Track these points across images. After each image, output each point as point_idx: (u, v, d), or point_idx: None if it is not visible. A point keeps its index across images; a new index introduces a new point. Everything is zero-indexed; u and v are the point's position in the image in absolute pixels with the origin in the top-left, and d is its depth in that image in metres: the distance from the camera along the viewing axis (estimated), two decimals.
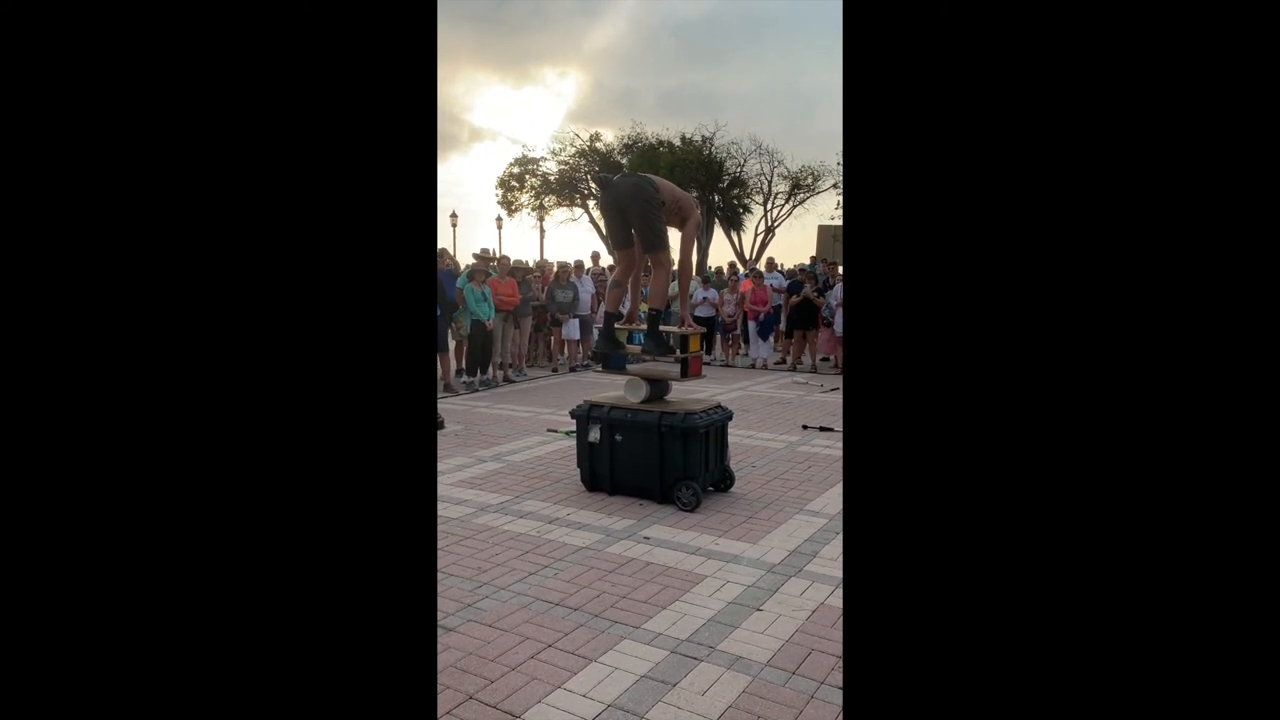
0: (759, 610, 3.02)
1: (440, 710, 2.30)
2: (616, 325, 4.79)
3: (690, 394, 5.18)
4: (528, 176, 30.31)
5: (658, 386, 4.68)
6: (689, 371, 4.62)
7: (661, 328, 4.62)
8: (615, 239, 4.66)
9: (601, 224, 21.20)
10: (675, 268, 4.60)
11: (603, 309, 5.55)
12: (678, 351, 4.58)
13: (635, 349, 4.70)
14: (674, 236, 4.62)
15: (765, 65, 42.37)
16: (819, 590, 3.22)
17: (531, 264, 12.42)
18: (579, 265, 11.15)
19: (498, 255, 10.75)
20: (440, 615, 2.95)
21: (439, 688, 2.42)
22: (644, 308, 4.94)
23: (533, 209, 30.35)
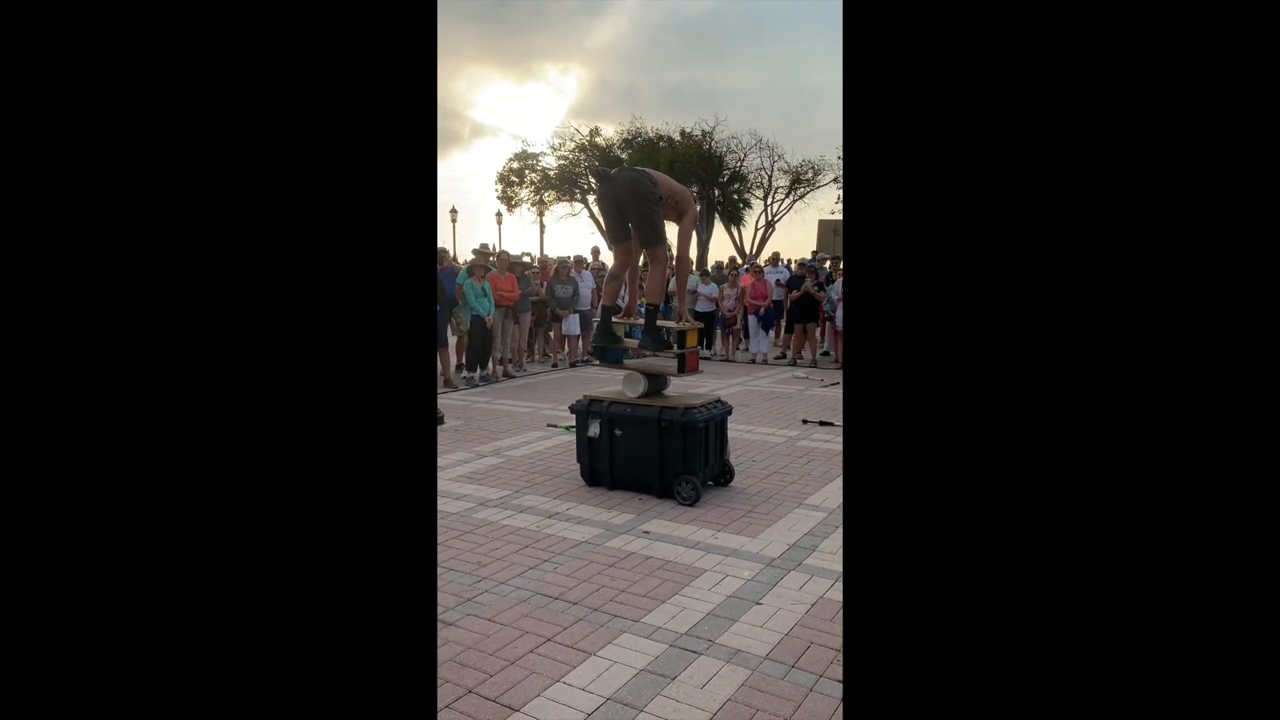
0: (758, 604, 3.03)
1: (440, 704, 2.30)
2: (614, 319, 4.79)
3: (690, 389, 5.18)
4: (527, 172, 30.29)
5: (655, 381, 4.68)
6: (686, 367, 4.62)
7: (659, 323, 4.61)
8: (613, 234, 4.65)
9: (601, 219, 21.16)
10: (672, 263, 4.59)
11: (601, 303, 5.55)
12: (675, 347, 4.57)
13: (633, 343, 4.69)
14: (671, 231, 4.62)
15: (766, 62, 42.46)
16: (818, 584, 3.22)
17: (527, 258, 12.40)
18: (579, 260, 11.14)
19: (497, 250, 10.74)
20: (440, 610, 2.96)
21: (439, 681, 2.42)
22: (643, 302, 4.94)
23: (532, 204, 30.34)
